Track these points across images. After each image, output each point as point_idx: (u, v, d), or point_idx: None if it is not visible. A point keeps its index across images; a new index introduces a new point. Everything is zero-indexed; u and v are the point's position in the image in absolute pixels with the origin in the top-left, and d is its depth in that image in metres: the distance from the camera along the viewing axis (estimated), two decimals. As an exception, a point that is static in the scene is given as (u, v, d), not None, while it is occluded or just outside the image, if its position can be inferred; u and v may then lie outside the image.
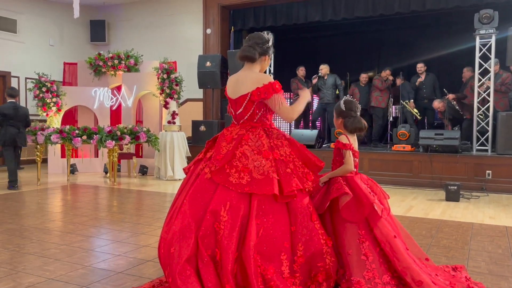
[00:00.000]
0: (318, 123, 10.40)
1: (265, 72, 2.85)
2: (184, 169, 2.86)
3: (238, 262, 2.39)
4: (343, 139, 2.82)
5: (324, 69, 9.05)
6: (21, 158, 10.01)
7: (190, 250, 2.40)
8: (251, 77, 2.68)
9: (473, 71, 7.65)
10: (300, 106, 2.75)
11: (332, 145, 8.38)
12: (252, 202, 2.47)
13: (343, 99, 2.92)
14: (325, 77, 9.05)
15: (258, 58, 2.74)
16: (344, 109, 2.85)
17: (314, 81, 9.07)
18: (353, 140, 2.83)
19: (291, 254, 2.49)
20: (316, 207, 2.69)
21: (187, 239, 2.43)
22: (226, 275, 2.33)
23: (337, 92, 9.33)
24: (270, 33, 2.87)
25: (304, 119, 9.94)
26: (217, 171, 2.54)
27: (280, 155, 2.60)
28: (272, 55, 2.94)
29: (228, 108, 2.89)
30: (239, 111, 2.72)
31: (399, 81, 9.16)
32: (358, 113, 2.88)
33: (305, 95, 2.81)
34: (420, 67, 8.68)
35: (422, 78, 8.66)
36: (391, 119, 9.07)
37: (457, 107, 8.06)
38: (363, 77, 9.25)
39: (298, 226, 2.52)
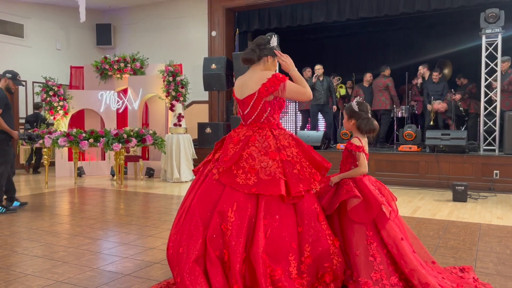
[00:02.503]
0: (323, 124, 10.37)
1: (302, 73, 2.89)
2: (193, 170, 2.90)
3: (246, 263, 2.40)
4: (356, 141, 2.81)
5: (320, 69, 8.91)
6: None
7: (198, 250, 2.42)
8: (255, 77, 2.74)
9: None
10: (296, 74, 2.80)
11: (338, 146, 8.38)
12: (259, 203, 2.49)
13: (355, 100, 2.92)
14: (321, 78, 8.93)
15: (258, 60, 2.79)
16: (357, 111, 2.85)
17: (314, 80, 8.97)
18: (365, 142, 2.84)
19: (299, 255, 2.49)
20: (325, 208, 2.69)
21: (195, 239, 2.45)
22: (235, 276, 2.34)
23: (341, 93, 9.29)
24: (274, 35, 2.90)
25: (309, 121, 9.91)
26: (224, 172, 2.56)
27: (287, 156, 2.61)
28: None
29: (236, 109, 2.92)
30: (247, 111, 2.76)
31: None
32: (369, 114, 2.88)
33: (287, 60, 2.82)
34: (420, 69, 8.55)
35: (418, 81, 8.51)
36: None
37: (461, 108, 8.00)
38: (368, 76, 9.19)
39: (305, 226, 2.53)
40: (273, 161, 2.56)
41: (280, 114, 2.85)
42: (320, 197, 2.78)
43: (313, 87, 8.94)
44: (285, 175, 2.54)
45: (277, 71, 2.83)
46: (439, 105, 8.11)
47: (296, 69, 2.83)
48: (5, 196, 5.22)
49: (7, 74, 5.18)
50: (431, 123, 8.38)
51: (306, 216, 2.55)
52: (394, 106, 8.85)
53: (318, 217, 2.58)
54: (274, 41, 2.83)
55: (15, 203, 5.32)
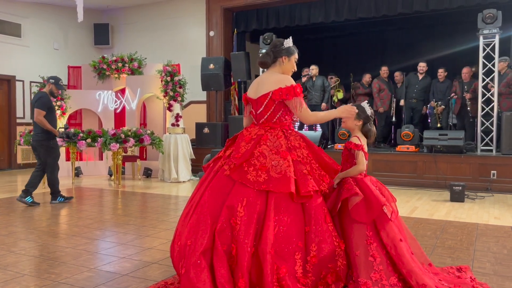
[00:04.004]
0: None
1: (293, 72, 2.96)
2: (203, 167, 2.94)
3: (253, 258, 2.42)
4: (355, 140, 2.82)
5: (314, 69, 8.92)
6: (26, 162, 10.09)
7: (206, 243, 2.44)
8: (272, 78, 2.80)
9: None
10: (325, 116, 2.95)
11: (336, 146, 8.38)
12: (268, 200, 2.52)
13: (365, 102, 2.90)
14: (314, 78, 8.95)
15: (273, 62, 2.88)
16: (368, 114, 2.85)
17: (304, 79, 8.98)
18: (364, 142, 2.84)
19: (305, 254, 2.51)
20: (330, 210, 2.70)
21: (203, 232, 2.47)
22: (241, 270, 2.36)
23: (338, 97, 9.24)
24: (289, 38, 2.97)
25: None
26: (236, 168, 2.60)
27: (297, 156, 2.65)
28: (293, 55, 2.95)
29: (246, 111, 2.98)
30: (260, 110, 2.80)
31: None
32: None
33: (341, 110, 2.85)
34: (423, 66, 8.45)
35: (419, 77, 8.49)
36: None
37: (469, 108, 7.98)
38: (367, 77, 9.19)
39: (312, 226, 2.55)
40: (284, 160, 2.60)
41: (293, 116, 2.86)
42: (326, 199, 2.78)
43: (304, 87, 8.98)
44: (295, 175, 2.57)
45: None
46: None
47: (335, 114, 2.93)
48: (50, 190, 5.76)
49: (50, 80, 5.74)
50: (438, 125, 8.34)
51: (313, 216, 2.56)
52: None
53: (325, 218, 2.59)
54: (288, 42, 2.92)
55: (28, 199, 5.56)
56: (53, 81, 5.70)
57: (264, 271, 2.36)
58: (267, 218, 2.47)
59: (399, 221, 2.75)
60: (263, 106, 2.78)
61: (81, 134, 7.09)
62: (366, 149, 2.83)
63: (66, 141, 6.05)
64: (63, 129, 5.99)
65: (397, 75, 9.04)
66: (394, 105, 8.78)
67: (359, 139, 2.82)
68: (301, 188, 2.53)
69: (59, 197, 5.71)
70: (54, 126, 5.60)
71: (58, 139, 5.86)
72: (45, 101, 5.50)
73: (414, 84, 8.54)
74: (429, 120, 8.97)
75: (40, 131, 5.50)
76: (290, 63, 2.89)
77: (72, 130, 6.52)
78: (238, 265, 2.38)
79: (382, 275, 2.49)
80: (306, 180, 2.57)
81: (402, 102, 8.59)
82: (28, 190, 5.54)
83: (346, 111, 2.82)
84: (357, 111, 2.84)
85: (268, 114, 2.77)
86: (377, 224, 2.61)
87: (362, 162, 2.75)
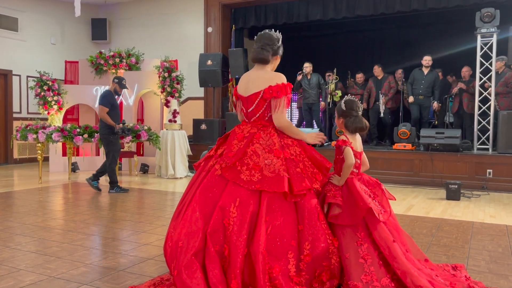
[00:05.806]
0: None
1: (276, 71, 2.87)
2: (194, 165, 2.89)
3: (246, 259, 2.41)
4: (342, 137, 2.82)
5: (308, 67, 8.88)
6: (23, 156, 10.06)
7: (198, 245, 2.42)
8: (264, 76, 2.73)
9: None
10: (297, 132, 2.76)
11: (333, 144, 8.38)
12: (262, 199, 2.50)
13: (344, 98, 2.91)
14: (309, 76, 8.91)
15: (271, 59, 2.78)
16: (344, 109, 2.83)
17: (299, 77, 8.93)
18: (353, 139, 2.83)
19: (298, 253, 2.50)
20: None
21: (195, 233, 2.45)
22: (234, 271, 2.35)
23: (335, 99, 9.23)
24: (279, 32, 2.86)
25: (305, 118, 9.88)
26: (228, 168, 2.57)
27: (290, 154, 2.62)
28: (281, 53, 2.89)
29: (236, 106, 2.92)
30: (251, 108, 2.75)
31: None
32: (360, 113, 2.86)
33: (311, 136, 2.79)
34: (428, 60, 8.08)
35: (425, 72, 8.18)
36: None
37: (452, 94, 8.02)
38: (360, 76, 9.21)
39: (305, 225, 2.54)
40: (277, 158, 2.57)
41: (286, 113, 2.84)
42: (318, 197, 2.77)
43: (300, 85, 8.95)
44: (288, 173, 2.55)
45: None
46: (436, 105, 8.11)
47: (304, 138, 2.78)
48: (112, 179, 6.27)
49: (115, 80, 6.36)
50: (436, 122, 8.32)
51: (306, 215, 2.55)
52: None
53: (318, 216, 2.58)
54: (280, 39, 2.83)
55: (95, 183, 6.29)
56: (117, 80, 6.31)
57: (257, 271, 2.35)
58: (259, 217, 2.46)
59: (394, 219, 2.75)
60: (254, 105, 2.73)
61: (78, 130, 7.08)
62: (357, 147, 2.82)
63: (122, 135, 6.38)
64: (121, 125, 6.25)
65: (399, 73, 8.97)
66: (383, 101, 8.63)
67: (347, 137, 2.81)
68: (294, 187, 2.51)
69: (116, 187, 6.19)
70: (117, 122, 6.12)
71: (120, 136, 6.29)
72: (109, 99, 6.10)
73: (420, 80, 8.21)
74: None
75: (103, 125, 6.11)
76: (278, 60, 2.85)
77: (128, 125, 6.78)
78: (231, 266, 2.36)
79: (374, 277, 2.47)
80: (300, 178, 2.55)
81: (411, 99, 8.29)
82: (97, 175, 6.24)
83: (314, 137, 2.80)
84: (325, 137, 2.84)
85: (259, 112, 2.72)
86: (368, 225, 2.59)
87: (350, 156, 2.72)
